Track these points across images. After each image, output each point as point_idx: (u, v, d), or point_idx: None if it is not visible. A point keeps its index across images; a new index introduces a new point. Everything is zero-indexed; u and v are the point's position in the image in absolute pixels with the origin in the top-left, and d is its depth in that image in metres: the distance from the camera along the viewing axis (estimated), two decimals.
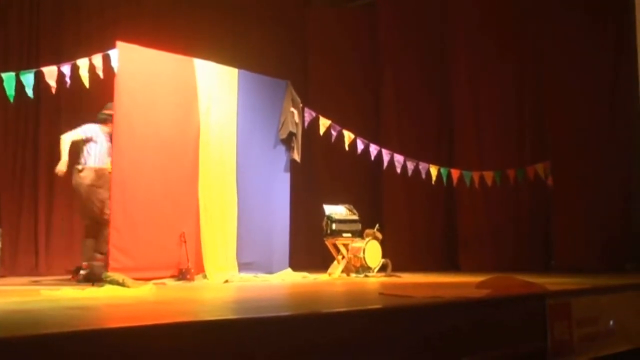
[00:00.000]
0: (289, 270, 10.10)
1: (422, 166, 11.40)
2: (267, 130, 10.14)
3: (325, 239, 10.75)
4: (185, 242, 8.89)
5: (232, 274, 9.29)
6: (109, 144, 8.81)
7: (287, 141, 10.24)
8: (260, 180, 9.96)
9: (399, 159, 11.25)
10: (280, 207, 10.19)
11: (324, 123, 10.35)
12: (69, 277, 9.07)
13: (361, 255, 10.45)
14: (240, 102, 9.83)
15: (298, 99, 10.36)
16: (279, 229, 10.14)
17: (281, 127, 10.19)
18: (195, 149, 9.23)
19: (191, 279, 8.66)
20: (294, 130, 10.25)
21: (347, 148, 10.68)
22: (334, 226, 10.52)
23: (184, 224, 8.96)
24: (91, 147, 8.87)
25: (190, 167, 9.18)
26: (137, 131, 8.63)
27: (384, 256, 10.74)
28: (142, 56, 8.79)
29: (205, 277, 9.00)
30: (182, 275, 8.71)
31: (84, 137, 8.85)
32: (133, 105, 8.60)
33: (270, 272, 9.82)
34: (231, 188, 9.60)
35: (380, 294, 6.03)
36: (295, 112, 10.26)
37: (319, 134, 10.47)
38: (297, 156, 10.30)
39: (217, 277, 8.94)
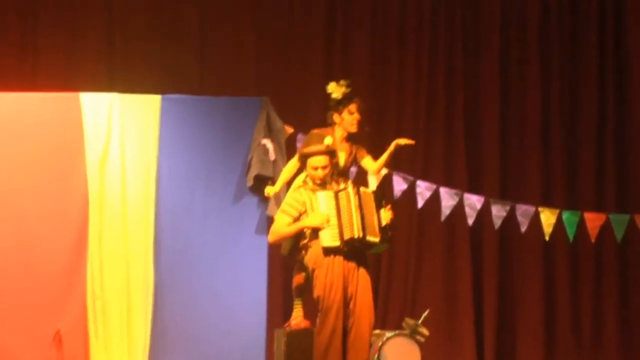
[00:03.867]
0: None
1: (522, 210, 7.78)
2: (223, 176, 7.70)
3: None
4: (61, 342, 7.38)
5: None
6: None
7: (260, 190, 7.49)
8: (209, 250, 7.64)
9: (472, 201, 7.74)
10: (250, 286, 7.65)
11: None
12: None
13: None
14: (165, 142, 7.60)
15: (279, 124, 7.56)
16: (247, 318, 7.60)
17: (247, 170, 7.57)
18: (81, 214, 7.44)
19: None
20: (267, 173, 7.47)
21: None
22: None
23: (61, 317, 7.40)
24: None
25: (73, 239, 7.46)
26: None
27: None
28: None
29: None
30: None
31: None
32: None
33: None
34: (144, 264, 7.50)
35: None
36: (270, 144, 7.51)
37: None
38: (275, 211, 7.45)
39: None
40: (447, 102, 8.66)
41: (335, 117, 6.76)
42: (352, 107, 6.70)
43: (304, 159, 6.32)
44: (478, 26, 8.74)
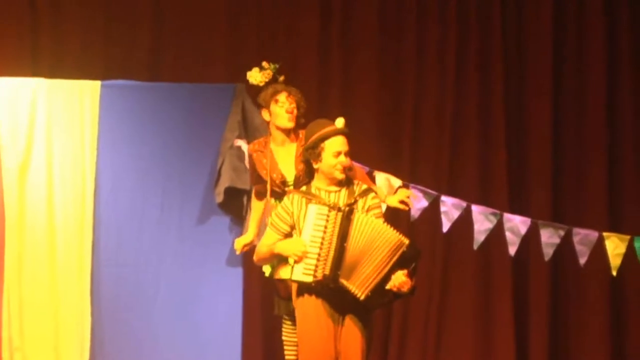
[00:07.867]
0: None
1: (582, 236, 6.71)
2: (185, 189, 6.91)
3: None
4: None
5: None
6: None
7: (233, 207, 6.66)
8: (165, 288, 6.92)
9: (514, 224, 6.69)
10: (219, 335, 6.90)
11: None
12: None
13: None
14: (105, 142, 6.86)
15: (258, 119, 6.66)
16: None
17: (216, 181, 6.66)
18: None
19: None
20: (243, 185, 6.55)
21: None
22: None
23: None
24: None
25: None
26: None
27: None
28: None
29: None
30: None
31: None
32: None
33: None
34: (77, 306, 6.78)
35: None
36: (246, 147, 6.52)
37: None
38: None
39: None
40: (482, 90, 7.49)
41: (265, 114, 5.93)
42: (282, 96, 5.84)
43: (314, 150, 5.19)
44: None
